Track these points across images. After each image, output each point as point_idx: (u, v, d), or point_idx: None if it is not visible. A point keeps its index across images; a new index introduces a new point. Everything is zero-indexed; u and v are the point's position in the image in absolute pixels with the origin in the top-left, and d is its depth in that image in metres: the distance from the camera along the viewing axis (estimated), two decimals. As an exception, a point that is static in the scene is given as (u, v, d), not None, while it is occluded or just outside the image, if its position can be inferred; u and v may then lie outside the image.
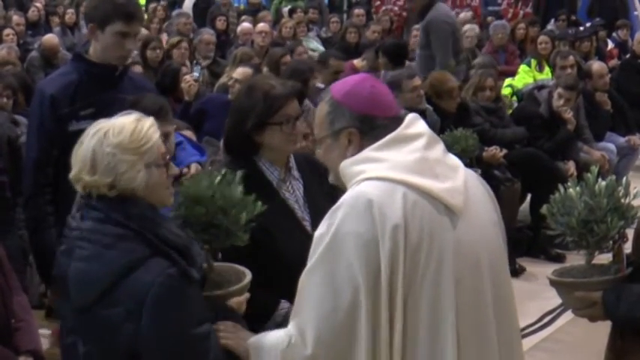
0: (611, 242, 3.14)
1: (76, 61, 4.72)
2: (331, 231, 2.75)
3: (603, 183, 3.13)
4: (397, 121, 2.88)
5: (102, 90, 4.53)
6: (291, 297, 3.52)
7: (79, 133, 4.32)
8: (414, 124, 2.86)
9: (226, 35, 14.04)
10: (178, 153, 4.53)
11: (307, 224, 3.79)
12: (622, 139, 9.60)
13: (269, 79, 3.95)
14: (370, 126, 2.86)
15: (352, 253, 2.69)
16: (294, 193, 3.86)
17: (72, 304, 3.06)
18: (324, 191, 3.81)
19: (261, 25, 12.20)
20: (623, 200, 3.10)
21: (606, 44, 13.82)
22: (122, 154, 3.03)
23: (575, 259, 3.42)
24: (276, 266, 3.64)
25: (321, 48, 13.87)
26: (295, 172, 3.90)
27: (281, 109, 3.73)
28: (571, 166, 8.42)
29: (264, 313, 3.65)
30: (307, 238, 3.57)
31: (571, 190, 3.16)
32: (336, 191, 3.72)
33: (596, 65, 9.68)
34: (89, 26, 4.61)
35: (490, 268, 2.80)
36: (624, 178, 3.60)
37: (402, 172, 2.74)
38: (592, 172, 3.16)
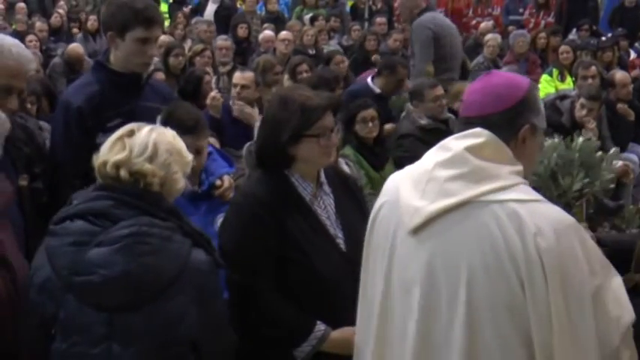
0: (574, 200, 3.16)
1: (98, 70, 4.65)
2: None
3: (581, 139, 3.16)
4: (466, 124, 2.85)
5: (127, 99, 4.49)
6: (324, 317, 3.59)
7: None
8: (459, 139, 2.81)
9: (248, 42, 14.06)
10: (210, 164, 4.46)
11: (340, 242, 3.71)
12: (645, 150, 9.54)
13: (303, 89, 3.85)
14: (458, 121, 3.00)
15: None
16: (325, 209, 3.77)
17: (118, 306, 3.08)
18: (355, 206, 3.85)
19: (283, 33, 12.24)
20: (603, 164, 3.13)
21: (628, 54, 13.74)
22: (175, 157, 3.24)
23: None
24: (310, 286, 3.59)
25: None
26: (326, 187, 3.81)
27: (318, 121, 3.64)
28: (593, 177, 8.36)
29: (299, 334, 3.60)
30: (341, 257, 3.67)
31: (549, 140, 3.16)
32: (367, 205, 3.77)
33: (619, 75, 9.63)
34: (108, 35, 4.54)
35: (423, 300, 2.76)
36: (613, 149, 3.67)
37: (403, 176, 2.91)
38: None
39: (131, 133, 3.27)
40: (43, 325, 3.17)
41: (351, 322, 3.50)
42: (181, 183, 3.29)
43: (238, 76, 7.99)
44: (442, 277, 2.72)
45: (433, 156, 2.83)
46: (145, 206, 3.16)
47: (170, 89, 5.18)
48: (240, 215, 3.66)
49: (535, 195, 2.75)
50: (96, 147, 4.29)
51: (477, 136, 2.77)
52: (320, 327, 3.60)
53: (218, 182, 4.42)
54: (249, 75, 7.98)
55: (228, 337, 3.37)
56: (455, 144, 2.78)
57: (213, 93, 7.67)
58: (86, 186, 3.70)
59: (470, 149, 2.74)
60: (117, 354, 3.07)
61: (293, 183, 3.72)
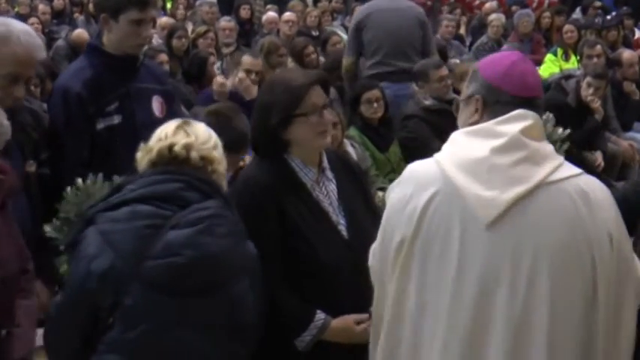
0: None
1: (92, 54, 4.59)
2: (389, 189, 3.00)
3: None
4: (525, 105, 2.79)
5: (123, 82, 4.45)
6: (325, 306, 3.52)
7: (107, 129, 4.37)
8: (509, 122, 2.75)
9: (250, 24, 14.00)
10: None
11: (343, 228, 3.62)
12: (650, 130, 9.51)
13: (290, 71, 3.81)
14: (495, 99, 2.84)
15: (385, 217, 2.93)
16: (328, 194, 3.66)
17: (192, 289, 3.09)
18: (359, 191, 3.76)
19: (287, 15, 12.16)
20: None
21: (633, 33, 13.68)
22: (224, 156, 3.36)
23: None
24: (311, 273, 3.52)
25: (345, 37, 13.82)
26: (329, 173, 3.71)
27: (304, 99, 3.53)
28: (599, 157, 8.36)
29: (299, 323, 3.54)
30: (343, 244, 3.59)
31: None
32: (371, 189, 3.70)
33: (627, 54, 9.60)
34: (101, 17, 4.48)
35: (505, 289, 2.69)
36: (547, 114, 3.75)
37: (455, 164, 2.75)
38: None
39: (188, 123, 3.31)
40: (92, 315, 3.10)
41: (351, 309, 3.52)
42: (224, 182, 3.36)
43: (249, 62, 7.70)
44: (526, 266, 2.68)
45: (483, 143, 2.74)
46: (211, 191, 3.18)
47: (164, 69, 5.13)
48: (241, 202, 3.54)
49: (576, 167, 2.82)
50: (97, 133, 4.34)
51: (525, 117, 2.75)
52: (320, 316, 3.53)
53: (241, 163, 4.42)
54: (257, 61, 7.83)
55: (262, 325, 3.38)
56: (506, 128, 2.73)
57: (220, 79, 7.52)
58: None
59: (523, 132, 2.72)
60: (187, 340, 3.07)
61: (294, 168, 3.62)
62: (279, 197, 3.55)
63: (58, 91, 4.55)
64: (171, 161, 3.19)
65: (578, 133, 8.30)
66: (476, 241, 2.69)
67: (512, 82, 2.83)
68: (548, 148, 2.78)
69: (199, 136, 3.25)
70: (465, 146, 2.77)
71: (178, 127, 3.27)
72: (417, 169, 2.88)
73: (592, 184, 2.78)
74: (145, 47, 4.88)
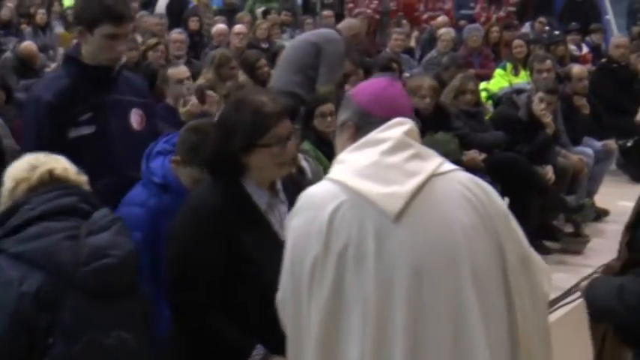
0: None
1: (69, 64, 4.57)
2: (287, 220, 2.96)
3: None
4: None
5: (99, 93, 4.41)
6: (275, 333, 3.40)
7: (79, 139, 4.33)
8: (388, 129, 2.82)
9: (200, 36, 13.96)
10: None
11: None
12: (598, 144, 9.60)
13: (259, 94, 3.62)
14: (365, 122, 2.87)
15: (289, 247, 2.84)
16: (280, 218, 3.56)
17: (123, 290, 3.19)
18: None
19: (238, 27, 12.14)
20: None
21: (580, 49, 13.83)
22: None
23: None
24: (261, 300, 3.37)
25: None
26: (282, 195, 3.63)
27: (271, 130, 3.45)
28: (549, 171, 8.39)
29: (236, 357, 3.47)
30: None
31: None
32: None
33: (577, 68, 9.70)
34: (78, 29, 4.46)
35: (431, 276, 2.73)
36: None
37: (350, 175, 2.77)
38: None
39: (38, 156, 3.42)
40: (29, 340, 3.05)
41: None
42: None
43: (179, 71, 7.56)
44: (444, 250, 2.74)
45: (370, 150, 2.80)
46: (97, 203, 3.32)
47: (145, 83, 5.07)
48: (187, 225, 3.50)
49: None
50: (68, 142, 4.28)
51: (403, 123, 2.84)
52: (259, 351, 3.46)
53: None
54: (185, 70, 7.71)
55: None
56: (389, 134, 2.81)
57: (194, 100, 7.32)
58: None
59: (406, 134, 2.81)
60: (126, 340, 3.11)
61: (247, 191, 3.53)
62: (231, 222, 3.46)
63: (30, 100, 4.56)
64: (55, 181, 3.28)
65: (529, 148, 8.39)
66: (389, 237, 2.72)
67: (382, 106, 2.89)
68: (429, 149, 2.88)
69: (61, 160, 3.39)
70: (354, 159, 2.81)
71: (39, 157, 3.40)
72: (312, 192, 2.87)
73: (471, 176, 2.92)
74: (124, 59, 4.81)
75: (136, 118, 4.57)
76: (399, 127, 2.82)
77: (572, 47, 13.25)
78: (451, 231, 2.75)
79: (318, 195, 2.83)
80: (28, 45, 11.68)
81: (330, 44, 8.40)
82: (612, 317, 3.33)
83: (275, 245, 3.42)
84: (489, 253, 2.80)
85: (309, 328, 2.78)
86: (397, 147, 2.79)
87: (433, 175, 2.79)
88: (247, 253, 3.44)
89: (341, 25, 8.82)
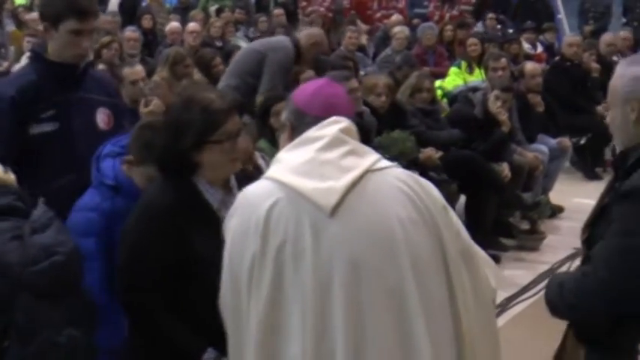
0: None
1: (34, 61, 4.54)
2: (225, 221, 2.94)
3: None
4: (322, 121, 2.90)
5: (63, 90, 4.37)
6: (222, 337, 3.33)
7: (41, 135, 4.28)
8: (324, 127, 2.85)
9: (153, 34, 13.85)
10: None
11: None
12: (553, 141, 9.66)
13: (207, 91, 3.62)
14: (300, 121, 2.93)
15: (228, 247, 2.86)
16: None
17: (70, 285, 3.17)
18: None
19: (192, 25, 12.07)
20: None
21: (535, 47, 13.90)
22: None
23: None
24: (211, 301, 3.26)
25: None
26: (237, 192, 3.48)
27: (222, 126, 3.45)
28: (505, 168, 8.42)
29: (186, 358, 3.46)
30: None
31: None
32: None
33: (529, 65, 9.76)
34: (43, 25, 4.43)
35: (370, 269, 2.73)
36: None
37: (285, 173, 2.80)
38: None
39: None
40: None
41: None
42: None
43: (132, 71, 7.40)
44: (380, 244, 2.75)
45: (306, 148, 2.83)
46: (29, 201, 3.29)
47: (113, 82, 5.01)
48: (138, 225, 3.48)
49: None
50: (29, 138, 4.26)
51: (339, 121, 2.86)
52: (210, 355, 3.44)
53: None
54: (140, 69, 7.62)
55: None
56: (324, 131, 2.83)
57: (156, 100, 7.22)
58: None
59: (342, 131, 2.84)
60: (76, 337, 3.09)
61: (199, 190, 3.52)
62: (182, 221, 3.45)
63: None
64: None
65: (485, 145, 8.40)
66: (326, 232, 2.73)
67: (316, 105, 2.93)
68: (366, 146, 2.91)
69: None
70: (290, 157, 2.84)
71: None
72: (249, 191, 2.88)
73: (406, 170, 2.95)
74: (88, 58, 4.75)
75: (102, 118, 4.54)
76: (335, 125, 2.84)
77: (527, 46, 13.33)
78: (388, 224, 2.76)
79: (254, 194, 2.84)
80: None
81: (274, 52, 8.37)
82: (558, 315, 3.34)
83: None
84: (429, 245, 2.81)
85: (249, 327, 2.77)
86: (332, 144, 2.81)
87: (369, 171, 2.81)
88: (198, 252, 3.42)
89: (301, 34, 8.79)
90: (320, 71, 8.74)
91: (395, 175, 2.86)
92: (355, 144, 2.85)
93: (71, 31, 4.29)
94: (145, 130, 4.01)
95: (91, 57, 4.92)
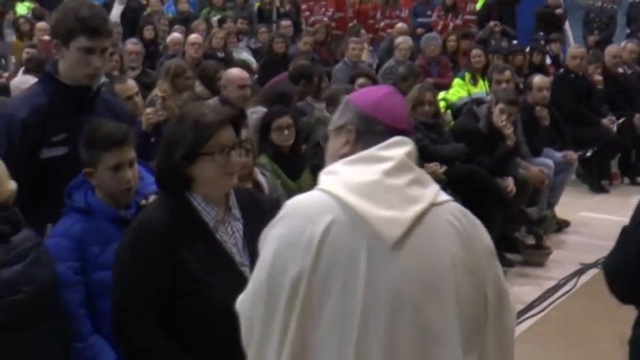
0: None
1: (45, 82, 4.41)
2: (268, 228, 2.78)
3: None
4: (396, 135, 2.76)
5: (75, 113, 4.25)
6: (220, 353, 3.34)
7: (51, 160, 4.20)
8: (391, 148, 2.72)
9: (155, 45, 13.78)
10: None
11: (247, 270, 3.44)
12: (558, 155, 9.54)
13: (202, 106, 3.62)
14: (368, 127, 2.78)
15: (269, 255, 2.69)
16: (233, 235, 3.52)
17: (35, 318, 3.16)
18: None
19: (193, 37, 11.95)
20: None
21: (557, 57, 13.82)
22: None
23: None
24: (206, 320, 3.36)
25: (252, 59, 13.73)
26: (236, 211, 3.57)
27: (212, 138, 3.41)
28: (510, 183, 8.32)
29: None
30: (245, 285, 3.39)
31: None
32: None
33: (537, 79, 9.63)
34: (54, 43, 4.34)
35: (417, 308, 2.65)
36: None
37: (347, 190, 2.65)
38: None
39: None
40: None
41: None
42: None
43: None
44: (432, 284, 2.66)
45: (371, 167, 2.69)
46: (18, 220, 3.27)
47: (124, 105, 4.89)
48: (130, 246, 3.44)
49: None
50: (39, 163, 4.20)
51: (405, 143, 2.76)
52: None
53: (143, 202, 4.11)
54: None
55: None
56: (391, 153, 2.71)
57: (149, 110, 7.12)
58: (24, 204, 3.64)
59: (408, 155, 2.73)
60: None
61: (195, 207, 3.47)
62: (175, 240, 3.40)
63: (3, 117, 4.39)
64: None
65: (490, 160, 8.30)
66: (382, 263, 2.62)
67: (385, 113, 2.81)
68: (426, 174, 2.82)
69: None
70: (352, 173, 2.69)
71: None
72: (303, 201, 2.72)
73: (462, 207, 2.86)
74: (103, 79, 4.63)
75: None
76: (402, 148, 2.72)
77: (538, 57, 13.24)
78: (441, 265, 2.68)
79: (309, 205, 2.69)
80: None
81: None
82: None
83: (223, 262, 3.45)
84: (474, 291, 2.74)
85: (280, 339, 2.65)
86: (399, 168, 2.69)
87: (433, 204, 2.70)
88: (190, 272, 3.38)
89: None
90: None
91: (451, 210, 2.75)
92: (419, 171, 2.75)
93: (82, 48, 4.20)
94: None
95: (103, 78, 4.75)
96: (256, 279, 2.74)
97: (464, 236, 2.73)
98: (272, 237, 2.72)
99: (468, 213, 2.82)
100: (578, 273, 8.09)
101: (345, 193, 2.64)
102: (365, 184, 2.66)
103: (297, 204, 2.72)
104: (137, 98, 7.14)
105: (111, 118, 4.35)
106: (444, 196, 2.77)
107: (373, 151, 2.72)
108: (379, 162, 2.69)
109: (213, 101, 7.66)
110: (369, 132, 2.77)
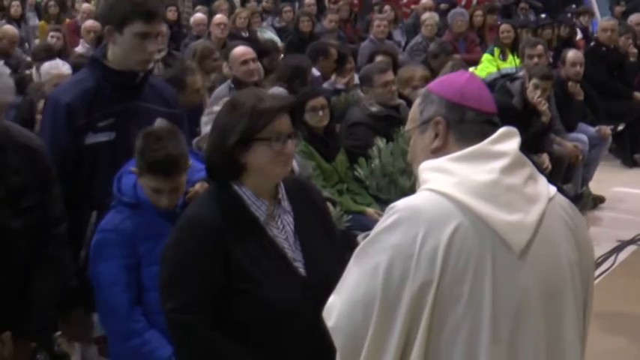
0: None
1: (92, 67, 4.33)
2: (375, 231, 2.54)
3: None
4: (489, 121, 2.60)
5: (122, 99, 4.19)
6: (278, 352, 3.22)
7: (96, 146, 4.12)
8: (503, 141, 2.55)
9: (178, 26, 13.68)
10: None
11: (300, 265, 3.32)
12: (592, 129, 9.43)
13: (257, 91, 3.49)
14: (460, 117, 2.60)
15: (385, 265, 2.46)
16: (284, 229, 3.35)
17: None
18: (318, 220, 3.48)
19: (219, 17, 11.83)
20: None
21: (576, 34, 13.65)
22: None
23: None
24: (260, 319, 3.22)
25: (277, 38, 13.60)
26: (286, 204, 3.39)
27: (270, 124, 3.21)
28: (545, 159, 8.22)
29: None
30: (300, 283, 3.29)
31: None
32: (331, 216, 3.42)
33: (571, 53, 9.47)
34: (106, 29, 4.24)
35: (546, 313, 2.53)
36: None
37: (467, 193, 2.47)
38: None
39: None
40: None
41: (308, 356, 3.24)
42: None
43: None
44: (555, 288, 2.55)
45: (486, 165, 2.51)
46: None
47: (173, 91, 4.80)
48: (182, 244, 3.30)
49: None
50: (85, 148, 4.14)
51: (514, 133, 2.59)
52: None
53: (191, 190, 4.01)
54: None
55: None
56: (504, 147, 2.54)
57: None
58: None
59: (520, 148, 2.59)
60: None
61: (245, 202, 3.30)
62: (226, 237, 3.25)
63: (49, 102, 4.35)
64: None
65: (525, 136, 8.16)
66: (509, 270, 2.46)
67: (473, 98, 2.63)
68: (534, 166, 2.64)
69: None
70: (467, 172, 2.51)
71: None
72: (419, 205, 2.51)
73: (567, 199, 2.73)
74: (152, 64, 4.54)
75: None
76: (512, 140, 2.57)
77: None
78: (561, 269, 2.56)
79: (429, 211, 2.48)
80: (9, 28, 11.44)
81: None
82: None
83: (275, 258, 3.30)
84: (584, 291, 2.66)
85: (394, 351, 2.49)
86: (515, 165, 2.52)
87: (549, 201, 2.56)
88: (243, 270, 3.24)
89: None
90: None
91: (562, 205, 2.62)
92: (531, 166, 2.59)
93: (138, 33, 4.12)
94: (139, 138, 3.86)
95: (153, 64, 4.65)
96: (365, 285, 2.52)
97: (576, 235, 2.61)
98: (386, 244, 2.50)
99: (574, 206, 2.69)
100: (616, 250, 7.95)
101: (465, 197, 2.47)
102: (484, 184, 2.48)
103: (413, 208, 2.51)
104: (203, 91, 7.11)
105: (158, 104, 4.30)
106: (552, 189, 2.62)
107: (484, 145, 2.54)
108: (494, 158, 2.51)
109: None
110: (461, 121, 2.59)
